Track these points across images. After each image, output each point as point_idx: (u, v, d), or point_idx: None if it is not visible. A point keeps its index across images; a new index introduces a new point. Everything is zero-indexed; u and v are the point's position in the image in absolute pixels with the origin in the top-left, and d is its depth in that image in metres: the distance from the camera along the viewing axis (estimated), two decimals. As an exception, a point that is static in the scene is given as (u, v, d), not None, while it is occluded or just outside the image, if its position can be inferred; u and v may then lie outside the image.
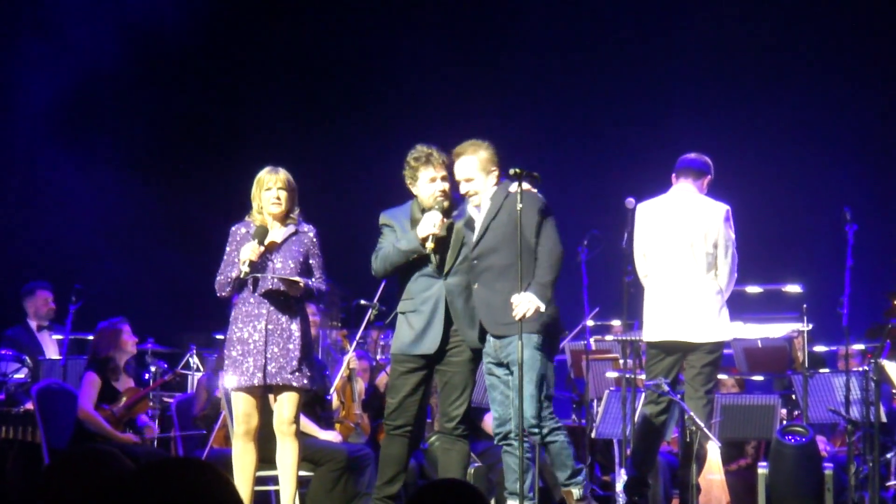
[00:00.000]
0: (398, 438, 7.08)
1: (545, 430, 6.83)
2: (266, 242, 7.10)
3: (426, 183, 7.05)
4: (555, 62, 13.48)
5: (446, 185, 7.05)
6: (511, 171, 6.81)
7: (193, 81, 13.52)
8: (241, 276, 6.99)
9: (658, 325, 7.66)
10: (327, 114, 13.58)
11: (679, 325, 7.61)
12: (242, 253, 7.02)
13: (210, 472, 2.89)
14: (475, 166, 6.97)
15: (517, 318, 6.65)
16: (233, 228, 7.25)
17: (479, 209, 7.02)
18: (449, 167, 7.05)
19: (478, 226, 6.99)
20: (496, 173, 7.01)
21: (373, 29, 13.60)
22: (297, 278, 7.03)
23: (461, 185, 7.02)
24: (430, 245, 6.91)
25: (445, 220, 6.99)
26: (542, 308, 6.72)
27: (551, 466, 7.07)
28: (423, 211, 7.03)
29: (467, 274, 7.00)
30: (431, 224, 6.91)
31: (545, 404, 6.83)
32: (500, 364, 6.90)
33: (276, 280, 7.00)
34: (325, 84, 13.67)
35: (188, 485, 2.85)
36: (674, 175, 7.89)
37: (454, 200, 7.10)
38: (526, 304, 6.67)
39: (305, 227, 7.24)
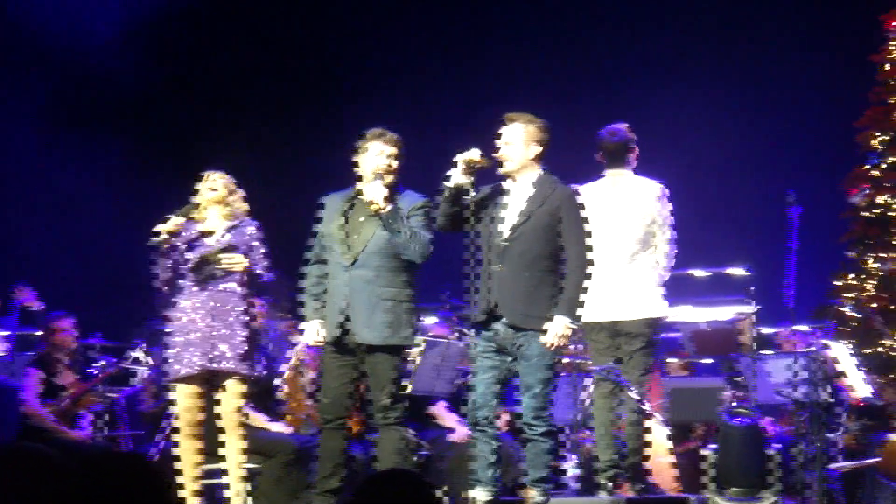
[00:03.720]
0: (334, 432, 7.02)
1: (539, 430, 6.82)
2: (204, 230, 7.09)
3: (374, 155, 6.96)
4: (495, 40, 13.52)
5: (393, 164, 6.98)
6: (464, 157, 6.75)
7: (142, 75, 13.43)
8: (156, 242, 6.98)
9: (592, 306, 7.71)
10: (279, 104, 13.54)
11: (610, 306, 7.65)
12: (163, 223, 7.01)
13: (144, 467, 2.88)
14: (520, 133, 6.86)
15: (548, 346, 6.64)
16: None
17: (516, 185, 6.91)
18: (401, 151, 7.01)
19: (518, 205, 6.87)
20: (538, 150, 6.89)
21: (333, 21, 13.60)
22: (235, 256, 7.02)
23: (499, 148, 6.90)
24: (374, 207, 6.83)
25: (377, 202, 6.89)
26: (573, 328, 6.70)
27: (527, 462, 7.02)
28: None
29: (375, 268, 6.90)
30: (378, 191, 6.85)
31: (548, 404, 6.83)
32: (499, 350, 6.85)
33: (213, 259, 6.99)
34: (273, 79, 13.63)
35: (120, 482, 2.84)
36: (600, 155, 7.91)
37: (397, 191, 7.03)
38: (555, 337, 6.66)
39: (247, 223, 7.23)
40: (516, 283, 6.77)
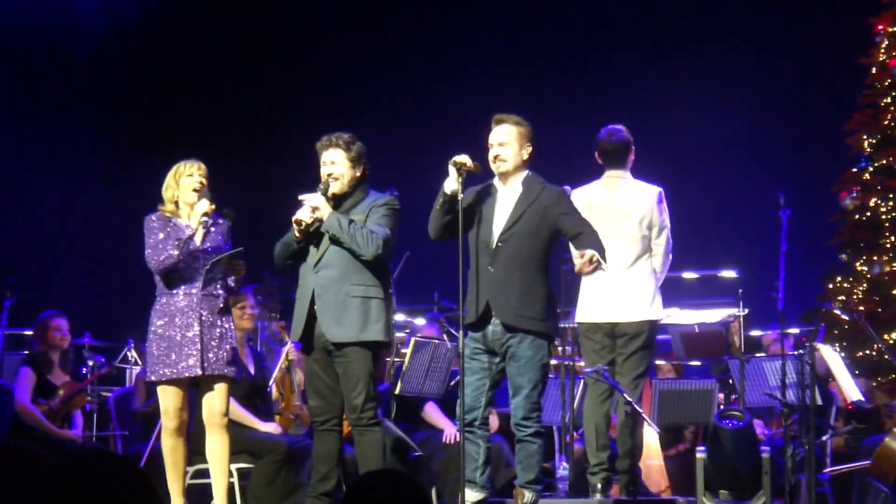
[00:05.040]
0: (326, 433, 7.05)
1: (528, 431, 6.83)
2: (196, 238, 7.09)
3: (322, 164, 7.07)
4: (486, 45, 13.53)
5: (338, 171, 7.02)
6: (455, 161, 6.77)
7: (129, 78, 13.42)
8: (302, 228, 6.90)
9: (589, 307, 7.73)
10: (262, 102, 13.53)
11: (608, 307, 7.67)
12: (198, 209, 7.00)
13: (131, 470, 2.87)
14: (512, 134, 6.87)
15: (585, 263, 6.52)
16: (147, 218, 7.19)
17: (505, 187, 6.93)
18: (355, 153, 7.04)
19: (508, 206, 6.88)
20: (529, 152, 6.91)
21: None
22: (239, 259, 7.05)
23: (492, 149, 6.91)
24: (302, 225, 6.89)
25: (316, 211, 6.92)
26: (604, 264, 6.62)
27: (517, 464, 7.04)
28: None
29: (341, 267, 6.92)
30: (303, 210, 6.91)
31: (538, 405, 6.85)
32: (488, 351, 6.87)
33: (224, 262, 6.98)
34: (261, 73, 13.62)
35: (104, 483, 2.83)
36: (597, 155, 7.92)
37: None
38: (593, 256, 6.55)
39: (217, 218, 7.24)
40: (509, 284, 6.77)
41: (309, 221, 6.91)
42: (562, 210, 6.84)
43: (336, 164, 7.04)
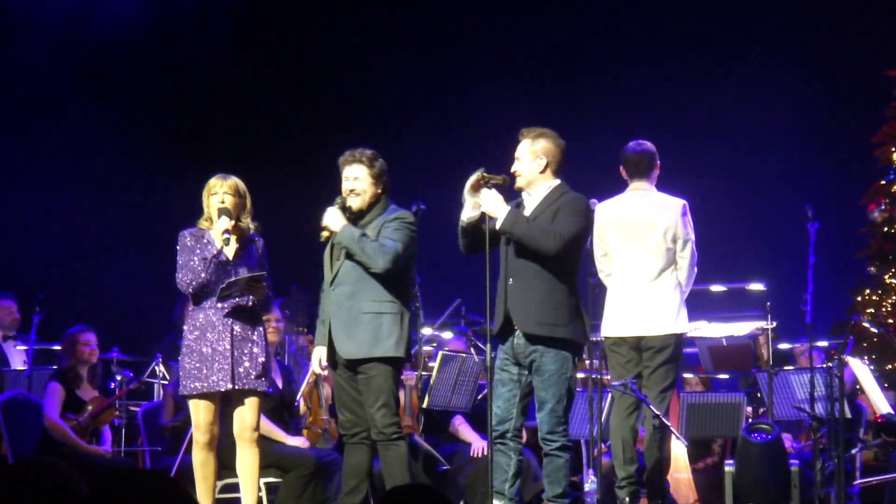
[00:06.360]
0: (356, 447, 7.07)
1: (555, 445, 6.84)
2: (227, 252, 7.08)
3: (343, 179, 7.11)
4: (515, 60, 13.53)
5: (359, 187, 7.06)
6: (475, 176, 6.85)
7: (155, 92, 13.46)
8: (218, 249, 6.98)
9: (615, 321, 7.71)
10: (297, 117, 13.55)
11: (633, 321, 7.65)
12: (217, 229, 7.03)
13: (168, 485, 2.87)
14: (525, 149, 7.01)
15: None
16: (181, 233, 7.20)
17: (530, 198, 7.02)
18: (377, 170, 7.07)
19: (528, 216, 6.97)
20: (544, 163, 6.97)
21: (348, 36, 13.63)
22: (262, 282, 7.05)
23: (514, 164, 7.07)
24: (324, 234, 7.01)
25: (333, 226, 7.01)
26: (498, 210, 6.77)
27: (544, 477, 7.05)
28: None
29: (353, 284, 6.97)
30: (330, 218, 7.00)
31: (563, 419, 6.86)
32: (517, 363, 6.90)
33: (243, 284, 6.98)
34: (292, 89, 13.65)
35: (145, 501, 2.83)
36: (622, 170, 7.92)
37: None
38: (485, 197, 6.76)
39: (254, 237, 7.24)
40: (528, 294, 6.83)
41: (327, 234, 7.00)
42: (564, 209, 6.87)
43: (359, 180, 7.07)
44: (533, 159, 6.99)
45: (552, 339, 6.79)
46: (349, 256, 6.97)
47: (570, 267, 6.93)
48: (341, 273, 7.01)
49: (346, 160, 7.13)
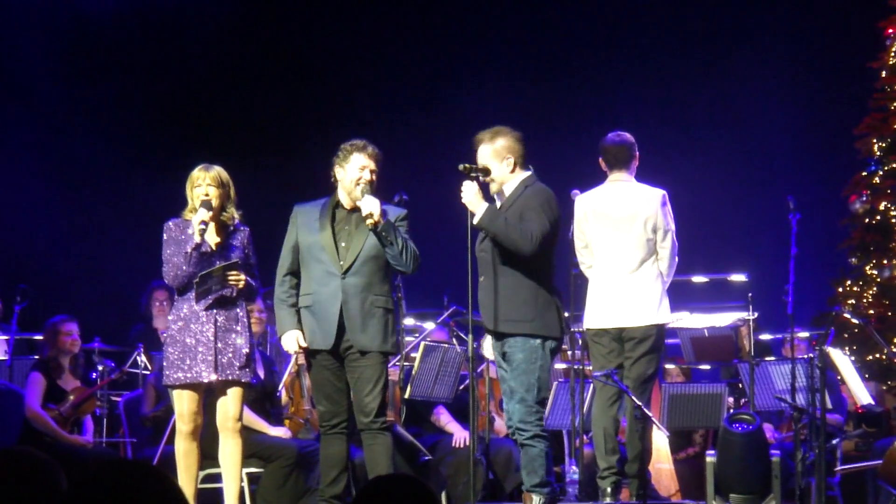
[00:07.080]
0: (333, 437, 7.07)
1: (527, 435, 6.86)
2: (207, 238, 7.05)
3: (356, 168, 7.00)
4: (497, 52, 13.53)
5: (373, 178, 7.02)
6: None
7: (138, 84, 13.41)
8: (196, 242, 6.93)
9: (597, 312, 7.73)
10: (284, 106, 13.51)
11: (615, 312, 7.66)
12: (194, 221, 6.97)
13: (151, 475, 2.86)
14: (488, 153, 7.05)
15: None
16: (166, 224, 7.19)
17: (499, 197, 7.06)
18: (380, 164, 7.05)
19: None
20: (511, 161, 7.02)
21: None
22: (238, 273, 7.02)
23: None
24: (371, 221, 6.87)
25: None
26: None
27: (522, 468, 7.09)
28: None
29: (367, 276, 6.96)
30: (374, 205, 6.87)
31: (535, 409, 6.88)
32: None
33: (218, 275, 6.96)
34: (272, 82, 13.62)
35: (129, 492, 2.82)
36: (602, 161, 7.92)
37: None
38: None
39: (239, 227, 7.21)
40: (494, 292, 6.92)
41: (378, 220, 6.88)
42: (529, 206, 6.89)
43: (374, 173, 7.03)
44: (500, 161, 7.04)
45: (520, 333, 6.84)
46: (365, 247, 6.93)
47: (542, 261, 6.97)
48: (358, 263, 6.97)
49: (359, 148, 7.03)
